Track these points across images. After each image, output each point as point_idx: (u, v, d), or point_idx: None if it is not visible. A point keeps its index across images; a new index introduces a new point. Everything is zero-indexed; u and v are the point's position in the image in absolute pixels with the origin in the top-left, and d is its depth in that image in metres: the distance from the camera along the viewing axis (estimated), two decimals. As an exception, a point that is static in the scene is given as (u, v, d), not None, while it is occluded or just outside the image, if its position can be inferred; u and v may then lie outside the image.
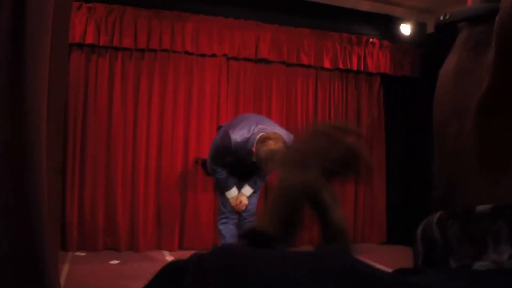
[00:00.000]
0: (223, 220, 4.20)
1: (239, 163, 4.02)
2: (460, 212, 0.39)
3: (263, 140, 3.81)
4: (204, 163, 5.49)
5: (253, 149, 3.83)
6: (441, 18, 0.43)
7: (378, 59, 6.30)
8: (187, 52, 5.53)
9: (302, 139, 0.74)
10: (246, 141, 3.88)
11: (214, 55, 5.65)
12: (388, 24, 6.25)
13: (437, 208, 0.44)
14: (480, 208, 0.37)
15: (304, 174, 0.68)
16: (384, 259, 5.47)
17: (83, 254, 5.06)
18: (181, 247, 5.54)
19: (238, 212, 4.21)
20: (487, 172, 0.39)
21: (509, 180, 0.37)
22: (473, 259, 0.36)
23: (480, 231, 0.36)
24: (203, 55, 5.62)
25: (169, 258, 5.12)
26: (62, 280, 4.09)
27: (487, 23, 0.39)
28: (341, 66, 6.15)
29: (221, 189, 4.20)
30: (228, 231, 4.18)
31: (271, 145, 3.74)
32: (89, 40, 5.08)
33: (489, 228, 0.36)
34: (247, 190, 4.18)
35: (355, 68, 6.22)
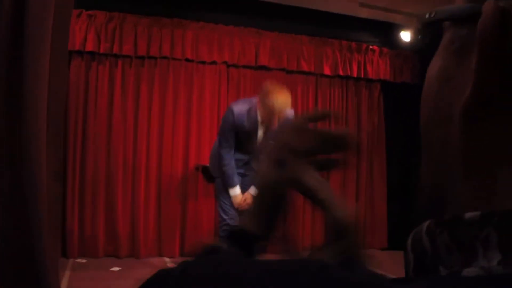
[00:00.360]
0: (224, 228, 4.15)
1: (245, 147, 4.01)
2: (448, 220, 0.39)
3: (266, 92, 3.77)
4: (204, 170, 5.50)
5: (257, 104, 3.85)
6: (427, 16, 0.43)
7: (378, 66, 6.32)
8: (187, 60, 5.55)
9: (275, 136, 0.73)
10: (248, 109, 3.88)
11: (214, 62, 5.67)
12: (387, 31, 6.27)
13: (423, 212, 0.44)
14: (469, 215, 0.37)
15: (280, 171, 0.68)
16: (385, 264, 5.47)
17: (83, 260, 5.06)
18: (182, 253, 5.53)
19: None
20: (474, 178, 0.39)
21: (496, 186, 0.37)
22: (463, 266, 0.36)
23: (469, 238, 0.36)
24: (203, 62, 5.64)
25: (170, 264, 5.11)
26: (64, 285, 4.08)
27: (471, 25, 0.39)
28: (341, 73, 6.17)
29: (225, 184, 4.09)
30: None
31: (276, 92, 3.70)
32: (89, 47, 5.11)
33: (478, 235, 0.36)
34: (253, 190, 4.17)
35: (355, 75, 6.24)
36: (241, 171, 4.14)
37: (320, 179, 0.68)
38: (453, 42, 0.42)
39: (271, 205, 0.70)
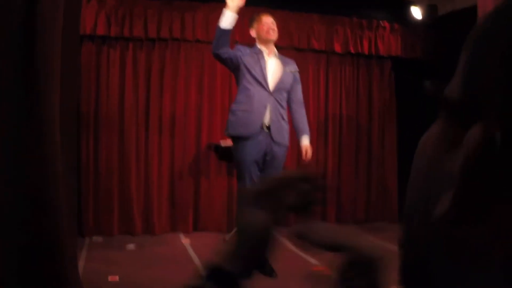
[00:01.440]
0: None
1: (260, 83, 4.03)
2: None
3: (253, 18, 4.22)
4: (216, 148, 5.59)
5: (251, 32, 4.22)
6: (427, 85, 0.45)
7: (389, 43, 6.29)
8: (198, 41, 5.59)
9: (265, 183, 0.80)
10: (249, 48, 4.19)
11: (225, 43, 5.69)
12: (398, 8, 6.23)
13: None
14: None
15: (273, 221, 0.74)
16: (396, 236, 5.53)
17: (99, 239, 5.21)
18: (195, 229, 5.67)
19: None
20: (452, 271, 0.43)
21: (467, 284, 0.41)
22: None
23: None
24: (214, 43, 5.67)
25: (184, 240, 5.23)
26: (81, 265, 4.20)
27: (463, 122, 0.41)
28: (352, 51, 6.16)
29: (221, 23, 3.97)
30: None
31: (264, 15, 4.17)
32: (100, 31, 5.18)
33: None
34: (306, 138, 4.31)
35: (366, 52, 6.23)
36: (260, 137, 4.02)
37: (327, 225, 0.75)
38: (445, 136, 0.46)
39: (256, 246, 0.75)
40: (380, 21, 6.27)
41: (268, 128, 4.02)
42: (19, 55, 2.37)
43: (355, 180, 6.38)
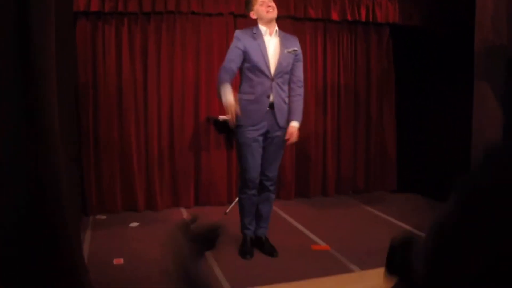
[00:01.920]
0: (244, 190, 4.14)
1: (261, 70, 4.00)
2: None
3: (248, 1, 4.15)
4: (215, 122, 5.58)
5: (251, 14, 4.14)
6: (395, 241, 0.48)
7: (387, 10, 6.19)
8: (193, 13, 5.52)
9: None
10: (250, 28, 4.16)
11: (220, 14, 5.63)
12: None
13: None
14: None
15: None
16: (394, 206, 5.61)
17: (103, 217, 5.24)
18: (197, 203, 5.71)
19: (261, 181, 4.14)
20: None
21: None
22: None
23: None
24: (209, 15, 5.60)
25: (186, 215, 5.26)
26: (86, 245, 4.24)
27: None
28: (349, 18, 6.08)
29: (220, 90, 3.92)
30: (248, 200, 4.15)
31: None
32: (94, 7, 5.06)
33: None
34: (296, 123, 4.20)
35: (363, 19, 6.13)
36: (263, 124, 4.03)
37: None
38: None
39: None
40: (378, -13, 6.18)
41: (271, 106, 4.03)
42: (13, 42, 2.33)
43: (354, 150, 6.40)
